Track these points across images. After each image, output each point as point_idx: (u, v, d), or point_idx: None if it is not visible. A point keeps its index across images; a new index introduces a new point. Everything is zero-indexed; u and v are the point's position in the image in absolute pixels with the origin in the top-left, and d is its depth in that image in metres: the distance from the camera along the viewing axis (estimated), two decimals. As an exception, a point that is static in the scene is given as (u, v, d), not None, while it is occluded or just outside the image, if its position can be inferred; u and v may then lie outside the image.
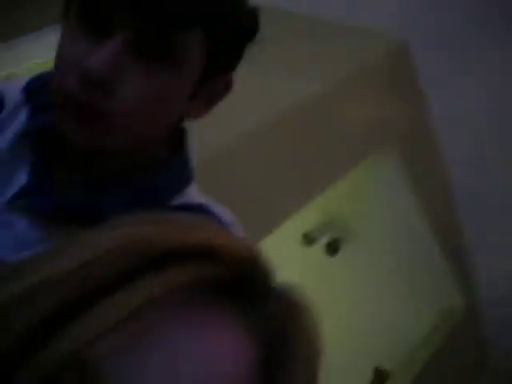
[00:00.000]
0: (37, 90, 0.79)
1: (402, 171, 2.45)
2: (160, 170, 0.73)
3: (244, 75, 0.78)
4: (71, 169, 0.74)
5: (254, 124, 1.76)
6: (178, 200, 0.74)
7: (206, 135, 1.16)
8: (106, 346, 0.30)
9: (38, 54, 1.81)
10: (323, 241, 3.16)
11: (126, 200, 0.70)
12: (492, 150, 2.47)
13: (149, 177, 0.72)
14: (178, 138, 0.78)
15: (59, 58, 0.65)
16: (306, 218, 2.58)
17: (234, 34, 0.69)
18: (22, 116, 0.77)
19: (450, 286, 2.92)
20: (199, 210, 0.73)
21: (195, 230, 0.35)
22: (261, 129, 1.77)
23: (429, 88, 2.38)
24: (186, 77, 0.66)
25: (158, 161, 0.74)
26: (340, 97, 2.11)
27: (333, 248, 3.14)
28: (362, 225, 2.96)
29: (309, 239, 3.15)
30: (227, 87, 0.74)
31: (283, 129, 1.86)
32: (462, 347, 3.19)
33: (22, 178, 0.73)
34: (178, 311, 0.33)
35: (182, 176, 0.77)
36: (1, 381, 0.29)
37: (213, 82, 0.71)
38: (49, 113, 0.73)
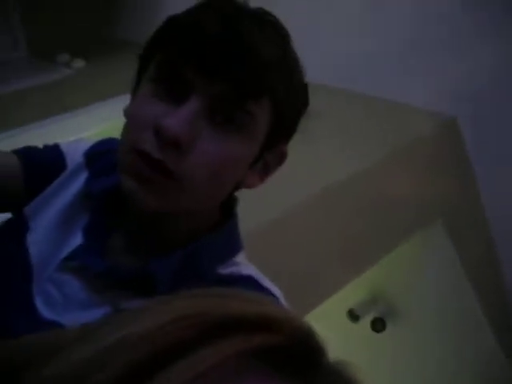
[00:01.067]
0: (98, 155, 0.82)
1: (449, 247, 2.40)
2: (211, 236, 0.74)
3: (294, 148, 0.79)
4: (125, 233, 0.76)
5: (300, 198, 1.77)
6: (227, 269, 0.74)
7: (253, 207, 1.17)
8: None
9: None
10: (369, 318, 3.09)
11: (175, 266, 0.70)
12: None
13: (199, 243, 0.72)
14: (228, 206, 0.79)
15: (134, 117, 0.67)
16: (352, 293, 2.54)
17: (296, 105, 0.71)
18: (82, 178, 0.80)
19: (501, 364, 2.79)
20: (248, 281, 0.73)
21: (251, 302, 0.36)
22: (307, 203, 1.78)
23: (477, 164, 2.38)
24: (253, 144, 0.68)
25: (209, 227, 0.75)
26: (388, 172, 2.11)
27: (379, 325, 3.07)
28: (409, 301, 2.89)
29: (354, 316, 3.08)
30: (281, 159, 0.76)
31: (330, 204, 1.86)
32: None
33: (77, 239, 0.75)
34: (235, 381, 0.33)
35: (232, 243, 0.77)
36: None
37: (270, 153, 0.73)
38: (108, 177, 0.76)
